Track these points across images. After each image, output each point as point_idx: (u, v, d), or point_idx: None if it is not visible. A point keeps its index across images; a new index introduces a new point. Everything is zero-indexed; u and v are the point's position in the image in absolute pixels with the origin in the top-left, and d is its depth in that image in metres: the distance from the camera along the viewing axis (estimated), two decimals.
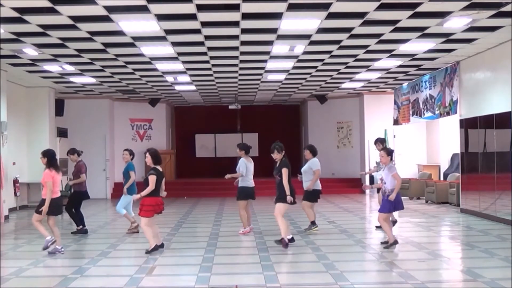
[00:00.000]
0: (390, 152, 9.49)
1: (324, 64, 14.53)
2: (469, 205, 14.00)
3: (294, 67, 15.06)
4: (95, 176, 19.36)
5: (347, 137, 22.67)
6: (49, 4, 8.65)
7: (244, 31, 10.67)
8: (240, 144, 11.30)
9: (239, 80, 17.28)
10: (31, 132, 17.56)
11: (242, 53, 12.85)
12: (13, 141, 15.69)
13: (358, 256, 9.07)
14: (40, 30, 10.21)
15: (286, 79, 17.30)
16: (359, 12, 9.49)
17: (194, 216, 14.82)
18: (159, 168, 9.03)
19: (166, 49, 12.27)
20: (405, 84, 18.47)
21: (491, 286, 6.64)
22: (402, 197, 9.83)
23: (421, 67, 15.23)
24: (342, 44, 11.97)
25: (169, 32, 10.68)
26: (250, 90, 20.18)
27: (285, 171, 9.24)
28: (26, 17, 9.36)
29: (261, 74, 16.28)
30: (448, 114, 15.00)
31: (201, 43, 11.66)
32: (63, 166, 19.05)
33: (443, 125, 18.12)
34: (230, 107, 22.10)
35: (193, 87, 18.93)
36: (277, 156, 9.45)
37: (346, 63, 14.53)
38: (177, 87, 18.97)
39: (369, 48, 12.50)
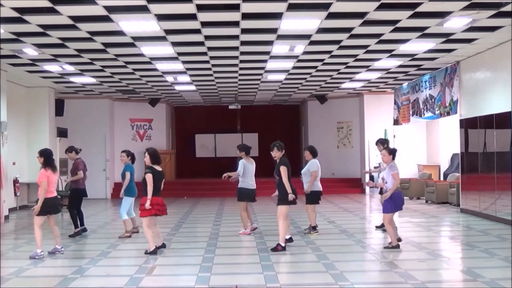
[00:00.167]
0: (391, 151, 9.42)
1: (324, 64, 14.53)
2: (469, 205, 14.00)
3: (294, 67, 15.06)
4: (95, 176, 19.35)
5: (347, 137, 22.67)
6: (49, 4, 8.65)
7: (244, 31, 10.67)
8: (240, 145, 11.27)
9: (239, 80, 17.28)
10: (31, 132, 17.56)
11: (242, 53, 12.85)
12: (13, 141, 15.69)
13: (358, 256, 9.07)
14: (40, 30, 10.21)
15: (286, 79, 17.30)
16: (359, 12, 9.49)
17: (194, 216, 14.82)
18: (157, 167, 8.96)
19: (166, 49, 12.27)
20: (405, 84, 18.47)
21: (491, 286, 6.64)
22: None
23: (421, 67, 15.23)
24: (342, 44, 11.97)
25: (169, 32, 10.68)
26: (250, 90, 20.18)
27: (283, 169, 9.09)
28: (26, 17, 9.36)
29: (261, 74, 16.28)
30: (448, 114, 15.00)
31: (201, 43, 11.66)
32: (63, 166, 19.07)
33: (443, 125, 18.12)
34: (230, 107, 22.10)
35: (193, 87, 18.93)
36: (276, 154, 9.31)
37: (346, 63, 14.53)
38: (177, 87, 18.97)
39: (369, 48, 12.50)
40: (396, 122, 19.71)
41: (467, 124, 14.01)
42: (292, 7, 9.08)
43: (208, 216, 14.64)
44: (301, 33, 11.06)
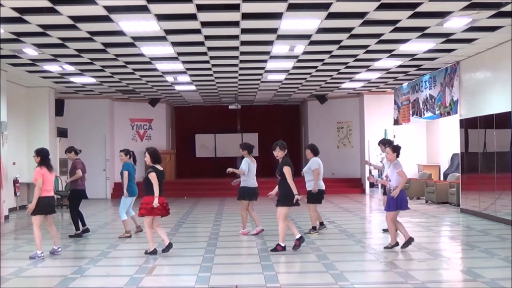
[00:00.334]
0: (396, 149, 9.28)
1: (324, 64, 14.53)
2: (469, 205, 13.99)
3: (294, 67, 15.06)
4: (95, 176, 19.37)
5: (347, 137, 22.68)
6: (49, 4, 8.65)
7: (244, 31, 10.67)
8: (242, 144, 11.22)
9: (239, 80, 17.28)
10: (31, 132, 17.55)
11: (242, 53, 12.85)
12: (13, 141, 15.69)
13: (358, 256, 9.06)
14: (40, 30, 10.21)
15: (286, 79, 17.30)
16: (359, 12, 9.49)
17: (194, 216, 14.82)
18: (158, 167, 8.92)
19: (166, 49, 12.27)
20: (405, 84, 18.47)
21: (491, 286, 6.64)
22: None
23: (421, 67, 15.23)
24: (342, 44, 11.97)
25: (169, 32, 10.68)
26: (250, 90, 20.18)
27: (287, 170, 8.94)
28: (26, 17, 9.36)
29: (261, 74, 16.29)
30: (448, 114, 15.00)
31: (201, 43, 11.66)
32: (63, 166, 19.09)
33: (443, 125, 18.12)
34: (230, 107, 22.10)
35: (193, 87, 18.93)
36: (278, 153, 9.19)
37: (346, 63, 14.53)
38: (177, 87, 18.97)
39: (369, 48, 12.50)
40: (396, 122, 19.72)
41: (467, 124, 14.01)
42: (292, 7, 9.08)
43: (208, 216, 14.63)
44: (301, 33, 11.06)
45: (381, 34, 11.12)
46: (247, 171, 10.76)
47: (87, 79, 16.49)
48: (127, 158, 11.01)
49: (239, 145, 11.25)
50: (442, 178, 18.20)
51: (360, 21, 9.98)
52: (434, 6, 9.11)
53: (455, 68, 14.46)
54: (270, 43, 11.84)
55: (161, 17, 9.58)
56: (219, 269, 7.90)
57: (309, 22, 10.17)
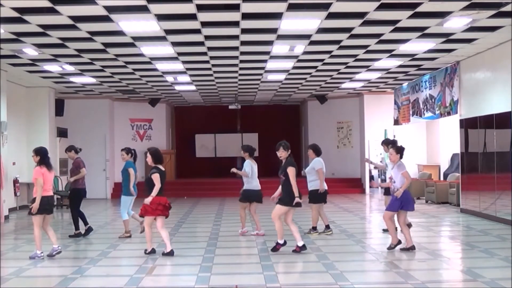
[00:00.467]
0: (399, 150, 9.22)
1: (324, 64, 14.53)
2: (469, 205, 13.99)
3: (294, 67, 15.06)
4: (95, 176, 19.37)
5: (347, 137, 22.67)
6: (49, 4, 8.65)
7: (244, 31, 10.67)
8: (245, 146, 11.16)
9: (239, 80, 17.28)
10: (31, 132, 17.55)
11: (242, 53, 12.85)
12: (13, 141, 15.68)
13: (358, 256, 9.06)
14: (40, 30, 10.21)
15: (286, 79, 17.30)
16: (359, 12, 9.48)
17: (194, 216, 14.82)
18: (161, 167, 8.90)
19: (166, 49, 12.27)
20: (405, 84, 18.47)
21: (491, 286, 6.64)
22: None
23: (421, 67, 15.23)
24: (342, 44, 11.97)
25: (169, 32, 10.68)
26: (250, 90, 20.18)
27: (291, 170, 8.81)
28: (26, 17, 9.36)
29: (261, 74, 16.29)
30: (449, 114, 15.00)
31: (201, 43, 11.66)
32: (63, 166, 19.09)
33: (443, 125, 18.12)
34: (230, 107, 22.09)
35: (193, 87, 18.93)
36: (282, 154, 9.07)
37: (346, 63, 14.53)
38: (177, 87, 18.97)
39: (369, 48, 12.50)
40: (396, 122, 19.72)
41: (467, 124, 14.01)
42: (292, 7, 9.08)
43: (208, 216, 14.63)
44: (301, 33, 11.06)
45: (381, 34, 11.12)
46: (251, 174, 10.73)
47: (87, 79, 16.49)
48: (129, 157, 10.91)
49: (241, 147, 11.22)
50: (442, 178, 18.20)
51: (360, 21, 9.98)
52: (434, 6, 9.11)
53: (455, 68, 14.46)
54: (270, 43, 11.84)
55: (161, 17, 9.58)
56: (219, 269, 7.90)
57: (309, 22, 10.17)
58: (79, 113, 20.68)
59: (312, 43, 11.81)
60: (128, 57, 13.17)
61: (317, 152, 10.91)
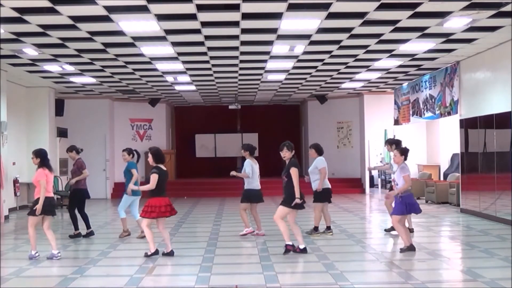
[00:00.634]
0: (403, 152, 9.11)
1: (324, 64, 14.53)
2: (469, 205, 14.00)
3: (294, 67, 15.06)
4: (95, 176, 19.33)
5: (347, 137, 22.67)
6: (49, 4, 8.65)
7: (244, 31, 10.67)
8: (245, 145, 11.07)
9: (239, 80, 17.28)
10: (31, 132, 17.55)
11: (242, 53, 12.85)
12: (13, 141, 15.69)
13: (358, 256, 9.06)
14: (40, 30, 10.21)
15: (286, 79, 17.30)
16: (359, 12, 9.49)
17: (194, 216, 14.82)
18: (162, 167, 8.80)
19: (166, 49, 12.27)
20: (405, 84, 18.47)
21: (491, 286, 6.64)
22: None
23: (421, 67, 15.23)
24: (342, 44, 11.97)
25: (169, 32, 10.68)
26: (250, 90, 20.18)
27: (294, 171, 8.71)
28: (26, 17, 9.36)
29: (261, 74, 16.29)
30: (449, 114, 15.00)
31: (201, 43, 11.66)
32: (63, 166, 19.09)
33: (443, 125, 18.12)
34: (230, 107, 22.09)
35: (193, 87, 18.93)
36: (286, 154, 9.01)
37: (346, 63, 14.53)
38: (177, 87, 18.97)
39: (369, 48, 12.50)
40: (396, 122, 19.72)
41: (467, 124, 14.01)
42: (292, 7, 9.08)
43: (208, 216, 14.63)
44: (301, 33, 11.06)
45: (381, 34, 11.13)
46: (251, 174, 10.67)
47: (87, 79, 16.49)
48: (131, 157, 10.88)
49: (242, 146, 11.17)
50: (442, 178, 18.20)
51: (360, 21, 9.98)
52: (434, 6, 9.11)
53: (455, 68, 14.46)
54: (270, 43, 11.84)
55: (161, 17, 9.58)
56: (219, 269, 7.90)
57: (309, 22, 10.17)
58: (79, 113, 20.68)
59: (312, 43, 11.81)
60: (128, 57, 13.17)
61: (319, 151, 10.85)
